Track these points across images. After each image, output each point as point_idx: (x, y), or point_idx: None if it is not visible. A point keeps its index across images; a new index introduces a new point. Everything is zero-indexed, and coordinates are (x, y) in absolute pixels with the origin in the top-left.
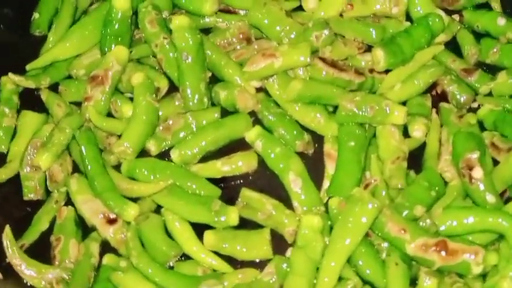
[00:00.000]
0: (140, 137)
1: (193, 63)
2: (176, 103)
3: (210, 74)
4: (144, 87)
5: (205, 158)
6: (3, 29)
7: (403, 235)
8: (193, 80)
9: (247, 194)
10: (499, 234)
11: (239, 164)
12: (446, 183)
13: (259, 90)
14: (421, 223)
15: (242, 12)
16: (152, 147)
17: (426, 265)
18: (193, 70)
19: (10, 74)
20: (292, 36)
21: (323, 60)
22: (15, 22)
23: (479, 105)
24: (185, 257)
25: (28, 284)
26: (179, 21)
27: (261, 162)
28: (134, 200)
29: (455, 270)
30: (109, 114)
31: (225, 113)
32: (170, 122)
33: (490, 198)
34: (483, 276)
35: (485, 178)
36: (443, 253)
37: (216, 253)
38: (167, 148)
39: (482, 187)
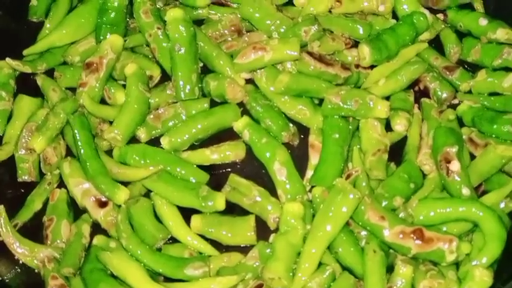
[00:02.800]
0: (131, 125)
1: (185, 54)
2: (168, 92)
3: (201, 65)
4: (136, 77)
5: (195, 146)
6: (1, 14)
7: (382, 222)
8: (185, 71)
9: (235, 180)
10: (472, 227)
11: (227, 153)
12: (424, 175)
13: (248, 81)
14: (400, 213)
15: (234, 5)
16: (142, 134)
17: (402, 252)
18: (186, 61)
19: (7, 59)
20: (282, 30)
21: (311, 54)
22: (13, 8)
23: (459, 102)
24: (173, 240)
25: (21, 262)
26: (173, 13)
27: (249, 151)
28: (125, 184)
29: (429, 258)
30: (103, 101)
31: (215, 103)
32: (161, 111)
33: (466, 191)
34: (456, 264)
35: (462, 171)
36: (419, 241)
37: (203, 237)
38: (157, 136)
39: (458, 180)
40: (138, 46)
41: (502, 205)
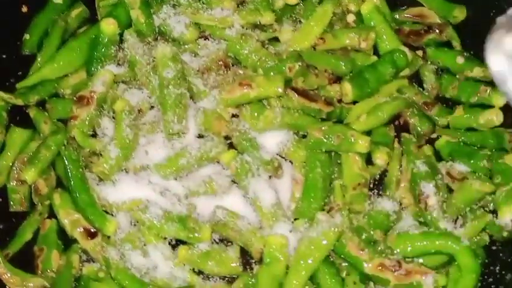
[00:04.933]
0: (118, 159)
1: (174, 89)
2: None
3: (189, 98)
4: (125, 113)
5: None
6: None
7: (362, 255)
8: (173, 105)
9: (220, 211)
10: (449, 259)
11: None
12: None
13: (234, 116)
14: (379, 246)
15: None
16: (131, 167)
17: (382, 284)
18: (174, 95)
19: (0, 92)
20: (267, 66)
21: (295, 90)
22: (5, 41)
23: (437, 136)
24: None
25: None
26: (162, 50)
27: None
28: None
29: None
30: (93, 131)
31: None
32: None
33: (443, 225)
34: None
35: (439, 206)
36: (397, 273)
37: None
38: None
39: (435, 214)
40: (128, 80)
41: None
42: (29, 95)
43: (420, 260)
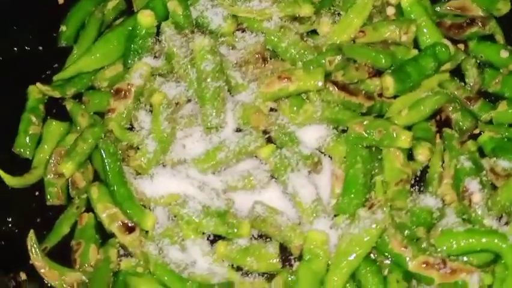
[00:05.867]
0: (156, 153)
1: (212, 82)
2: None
3: (227, 91)
4: (162, 106)
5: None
6: (32, 39)
7: (405, 252)
8: (211, 98)
9: (259, 207)
10: (494, 257)
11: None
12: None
13: (272, 110)
14: (422, 244)
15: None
16: (169, 161)
17: (425, 282)
18: (213, 88)
19: (38, 84)
20: (306, 59)
21: (335, 83)
22: (42, 33)
23: (480, 132)
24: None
25: (49, 285)
26: (201, 43)
27: None
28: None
29: None
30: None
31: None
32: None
33: (488, 222)
34: None
35: (484, 203)
36: (442, 271)
37: None
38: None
39: (480, 211)
40: (165, 72)
41: None
42: (66, 87)
43: (465, 259)
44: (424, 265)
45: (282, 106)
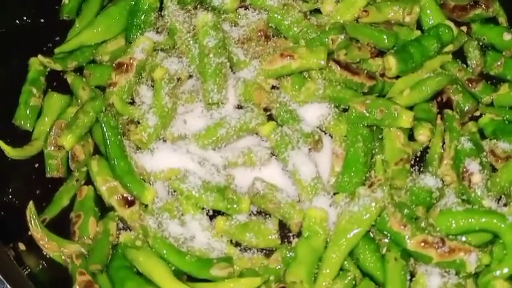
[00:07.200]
0: (157, 128)
1: (214, 58)
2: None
3: (229, 67)
4: (164, 81)
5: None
6: (33, 12)
7: (404, 231)
8: (213, 74)
9: (259, 183)
10: (492, 237)
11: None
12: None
13: (274, 87)
14: (421, 223)
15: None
16: (169, 136)
17: (424, 261)
18: (215, 64)
19: (40, 56)
20: (309, 37)
21: (337, 62)
22: (44, 6)
23: (481, 114)
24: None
25: (48, 257)
26: (203, 18)
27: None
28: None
29: (450, 267)
30: (131, 99)
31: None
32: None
33: (487, 203)
34: (476, 274)
35: (483, 183)
36: (440, 250)
37: None
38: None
39: (480, 191)
40: (167, 48)
41: None
42: (67, 60)
43: (463, 238)
44: (423, 244)
45: (283, 84)
